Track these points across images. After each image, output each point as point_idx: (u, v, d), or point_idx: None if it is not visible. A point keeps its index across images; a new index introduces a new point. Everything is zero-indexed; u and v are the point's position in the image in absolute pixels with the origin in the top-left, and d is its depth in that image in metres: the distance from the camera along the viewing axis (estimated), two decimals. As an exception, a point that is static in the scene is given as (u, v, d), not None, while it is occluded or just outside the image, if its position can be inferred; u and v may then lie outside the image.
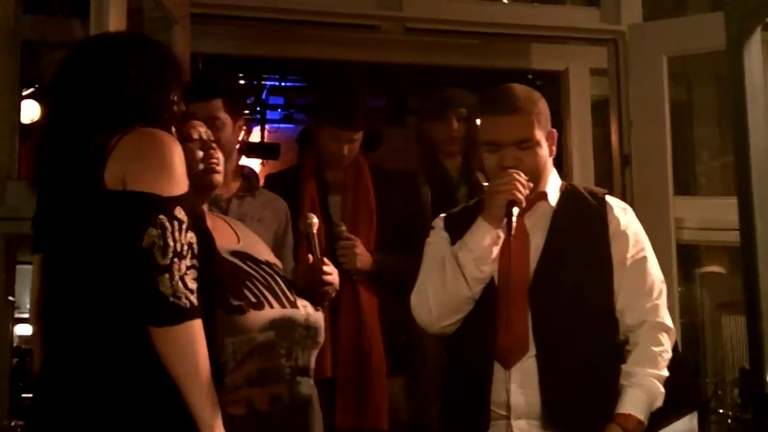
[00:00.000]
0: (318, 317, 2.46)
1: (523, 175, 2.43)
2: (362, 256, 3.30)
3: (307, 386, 2.40)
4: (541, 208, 2.56)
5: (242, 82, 7.10)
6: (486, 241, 2.43)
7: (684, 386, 3.60)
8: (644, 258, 2.59)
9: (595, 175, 5.44)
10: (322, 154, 3.52)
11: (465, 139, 3.90)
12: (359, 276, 3.31)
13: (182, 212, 1.89)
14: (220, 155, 2.51)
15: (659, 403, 2.52)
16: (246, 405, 2.22)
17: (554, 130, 2.60)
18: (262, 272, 2.41)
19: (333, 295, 2.63)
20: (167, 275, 1.83)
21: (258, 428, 2.23)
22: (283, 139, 8.28)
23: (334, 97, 3.61)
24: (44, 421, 1.94)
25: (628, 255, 2.56)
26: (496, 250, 2.44)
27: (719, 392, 5.55)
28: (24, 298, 5.74)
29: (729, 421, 4.82)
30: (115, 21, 3.32)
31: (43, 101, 5.22)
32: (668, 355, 2.56)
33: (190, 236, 1.89)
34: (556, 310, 2.44)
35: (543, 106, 2.59)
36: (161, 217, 1.86)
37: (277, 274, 2.45)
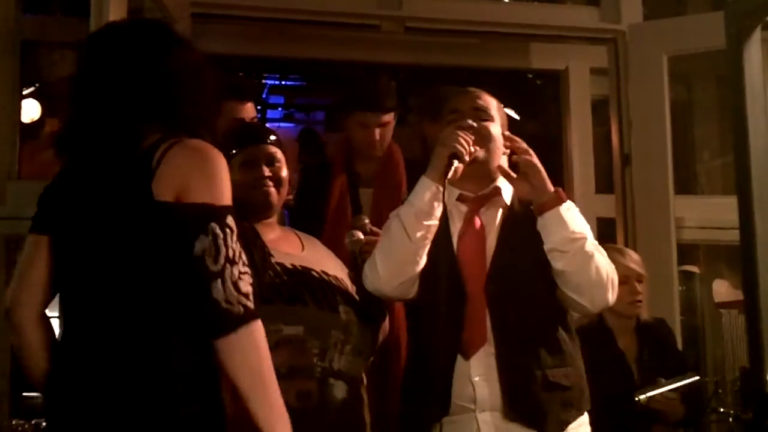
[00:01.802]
0: (362, 327, 2.49)
1: (470, 136, 2.48)
2: None
3: (344, 391, 2.41)
4: (495, 204, 2.60)
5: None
6: (426, 195, 2.45)
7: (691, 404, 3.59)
8: None
9: (596, 174, 5.44)
10: (352, 145, 3.43)
11: None
12: None
13: (232, 221, 1.90)
14: (274, 176, 2.61)
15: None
16: None
17: (509, 134, 2.66)
18: (311, 277, 2.45)
19: (385, 316, 2.68)
20: (219, 281, 1.84)
21: None
22: (283, 139, 8.29)
23: (358, 82, 3.55)
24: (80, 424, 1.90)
25: None
26: (437, 205, 2.46)
27: (720, 391, 5.55)
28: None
29: (730, 420, 4.82)
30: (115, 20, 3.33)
31: (45, 103, 5.24)
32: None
33: (240, 244, 1.91)
34: (511, 303, 2.48)
35: (502, 109, 2.71)
36: (212, 224, 1.87)
37: (328, 282, 2.49)
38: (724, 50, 3.84)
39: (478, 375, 2.44)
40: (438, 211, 2.47)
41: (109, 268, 1.93)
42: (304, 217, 3.36)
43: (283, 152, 2.73)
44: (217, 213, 1.89)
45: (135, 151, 1.94)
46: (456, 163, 2.42)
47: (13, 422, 4.18)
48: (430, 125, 3.83)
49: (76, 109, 2.06)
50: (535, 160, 2.55)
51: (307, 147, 8.35)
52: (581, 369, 2.58)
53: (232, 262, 1.86)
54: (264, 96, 7.78)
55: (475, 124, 2.51)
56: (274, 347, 2.25)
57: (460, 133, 2.47)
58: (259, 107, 7.72)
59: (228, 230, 1.88)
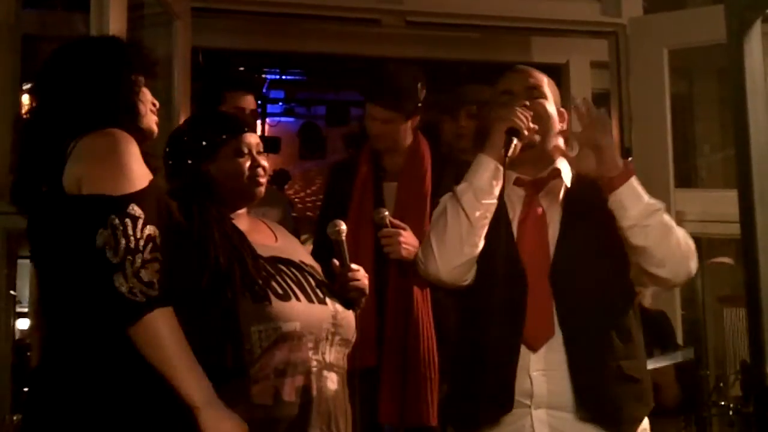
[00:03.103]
0: (347, 316, 2.48)
1: (528, 112, 2.39)
2: (407, 245, 3.06)
3: (335, 382, 2.41)
4: (555, 187, 2.49)
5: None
6: (485, 173, 2.37)
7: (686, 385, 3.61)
8: None
9: (596, 168, 5.43)
10: (370, 136, 3.39)
11: (475, 135, 3.83)
12: (408, 266, 3.04)
13: (137, 208, 1.92)
14: (266, 167, 2.56)
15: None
16: (273, 395, 2.26)
17: (565, 111, 2.58)
18: (293, 270, 2.44)
19: (363, 300, 2.62)
20: (120, 273, 1.87)
21: (284, 418, 2.26)
22: (283, 133, 8.29)
23: (377, 74, 3.47)
24: (36, 418, 1.99)
25: None
26: (497, 184, 2.37)
27: (720, 385, 5.56)
28: (25, 292, 5.75)
29: (730, 413, 4.83)
30: (116, 15, 3.33)
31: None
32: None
33: (150, 230, 1.93)
34: (579, 292, 2.36)
35: (553, 85, 2.62)
36: (111, 216, 1.90)
37: (309, 273, 2.48)
38: (724, 44, 3.82)
39: (538, 370, 2.33)
40: (497, 189, 2.38)
41: (41, 270, 2.05)
42: (332, 215, 3.35)
43: None
44: (116, 203, 1.91)
45: (58, 152, 2.00)
46: (515, 140, 2.34)
47: (14, 418, 4.18)
48: (446, 121, 3.83)
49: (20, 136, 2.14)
50: (609, 131, 2.44)
51: (307, 141, 8.37)
52: (646, 360, 2.50)
53: (135, 251, 1.89)
54: (264, 90, 7.78)
55: (529, 114, 2.40)
56: (273, 345, 2.26)
57: (518, 108, 2.38)
58: (259, 101, 7.75)
59: (129, 220, 1.91)
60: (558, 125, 2.52)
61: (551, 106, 2.50)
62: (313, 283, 2.44)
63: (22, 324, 6.50)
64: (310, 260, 2.55)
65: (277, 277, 2.36)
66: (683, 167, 5.66)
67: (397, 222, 3.06)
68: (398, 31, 5.15)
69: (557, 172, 2.49)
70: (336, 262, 2.57)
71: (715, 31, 4.01)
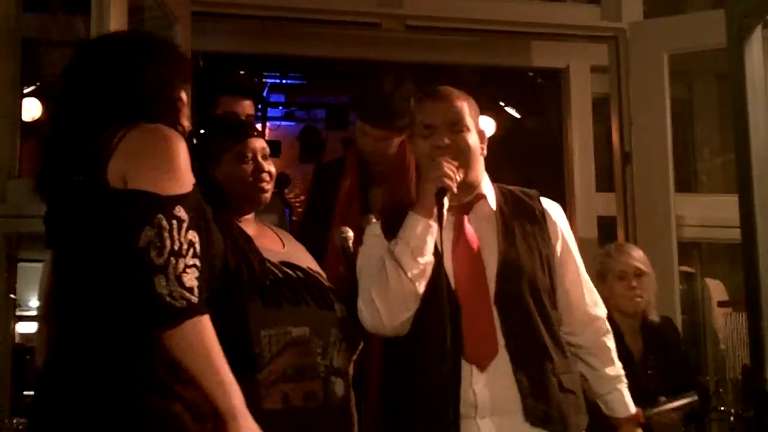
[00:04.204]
0: (353, 323, 2.48)
1: (453, 162, 2.42)
2: None
3: (342, 387, 2.42)
4: (482, 209, 2.55)
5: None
6: (419, 231, 2.40)
7: (687, 383, 3.61)
8: (574, 255, 2.65)
9: (596, 172, 5.44)
10: (358, 146, 3.41)
11: None
12: None
13: (182, 211, 1.87)
14: (272, 172, 2.55)
15: None
16: (282, 400, 2.26)
17: (484, 131, 2.61)
18: (301, 275, 2.44)
19: None
20: (162, 276, 1.82)
21: (293, 423, 2.28)
22: (284, 137, 8.29)
23: (370, 91, 3.50)
24: (44, 421, 1.94)
25: (562, 252, 2.61)
26: (431, 241, 2.41)
27: (720, 390, 5.55)
28: (25, 296, 5.75)
29: (731, 418, 4.82)
30: (116, 19, 3.33)
31: (46, 101, 5.24)
32: None
33: (192, 235, 1.88)
34: (521, 309, 2.46)
35: (474, 104, 2.62)
36: (159, 216, 1.85)
37: (317, 278, 2.48)
38: (724, 48, 3.83)
39: (479, 382, 2.39)
40: (431, 246, 2.41)
41: (72, 259, 1.97)
42: (315, 216, 3.34)
43: None
44: (165, 203, 1.86)
45: (93, 143, 1.94)
46: (446, 200, 2.37)
47: (14, 421, 4.17)
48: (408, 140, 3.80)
49: (51, 124, 2.10)
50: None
51: (307, 145, 8.37)
52: (578, 374, 2.60)
53: (178, 255, 1.84)
54: (265, 94, 7.79)
55: (455, 166, 2.42)
56: (283, 349, 2.27)
57: (444, 162, 2.40)
58: (259, 105, 7.75)
59: (175, 222, 1.85)
60: (480, 152, 2.55)
61: (473, 137, 2.52)
62: (321, 289, 2.45)
63: (22, 328, 6.49)
64: (316, 266, 2.56)
65: (287, 282, 2.36)
66: (683, 172, 5.65)
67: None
68: (398, 35, 5.15)
69: (481, 196, 2.55)
70: (341, 268, 2.59)
71: (715, 35, 4.02)
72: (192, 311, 1.84)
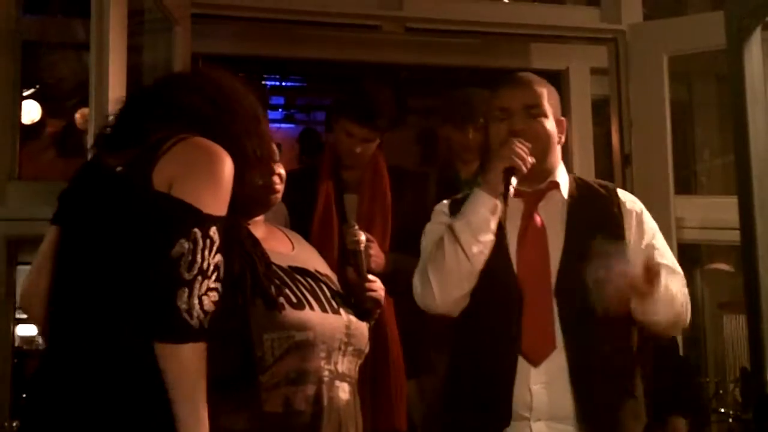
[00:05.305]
0: (360, 326, 2.47)
1: (526, 144, 2.36)
2: (377, 258, 3.13)
3: (346, 392, 2.41)
4: (553, 198, 2.48)
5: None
6: (482, 210, 2.34)
7: (684, 390, 3.61)
8: (657, 247, 2.50)
9: (596, 174, 5.43)
10: (337, 151, 3.42)
11: (482, 146, 3.77)
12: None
13: (216, 233, 1.86)
14: (282, 174, 2.55)
15: None
16: (283, 403, 2.25)
17: (564, 119, 2.56)
18: (308, 279, 2.44)
19: (378, 311, 2.62)
20: (186, 290, 1.80)
21: (295, 427, 2.25)
22: (283, 139, 8.29)
23: (357, 90, 3.50)
24: (43, 422, 1.91)
25: (642, 246, 2.48)
26: (494, 220, 2.35)
27: (720, 392, 5.56)
28: (25, 299, 5.73)
29: (730, 420, 4.83)
30: (116, 21, 3.33)
31: (46, 104, 5.24)
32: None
33: (218, 258, 1.86)
34: (583, 306, 2.33)
35: (553, 92, 2.57)
36: (196, 231, 1.83)
37: (324, 282, 2.48)
38: (724, 50, 3.83)
39: (538, 383, 2.32)
40: (494, 224, 2.35)
41: (89, 247, 1.94)
42: (294, 225, 3.34)
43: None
44: (204, 220, 1.85)
45: (143, 142, 1.94)
46: (514, 180, 2.32)
47: (14, 423, 4.18)
48: (454, 131, 3.77)
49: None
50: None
51: (307, 148, 8.37)
52: (641, 377, 2.48)
53: (204, 275, 1.82)
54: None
55: (527, 148, 2.36)
56: (286, 353, 2.26)
57: (517, 143, 2.35)
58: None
59: (209, 241, 1.84)
60: (557, 141, 2.50)
61: (550, 123, 2.47)
62: (327, 293, 2.43)
63: (22, 330, 6.49)
64: (326, 269, 2.55)
65: (292, 286, 2.35)
66: (683, 173, 5.66)
67: (367, 235, 3.07)
68: (398, 38, 5.15)
69: (555, 185, 2.48)
70: (352, 272, 2.58)
71: (715, 37, 4.03)
72: (200, 335, 1.82)
